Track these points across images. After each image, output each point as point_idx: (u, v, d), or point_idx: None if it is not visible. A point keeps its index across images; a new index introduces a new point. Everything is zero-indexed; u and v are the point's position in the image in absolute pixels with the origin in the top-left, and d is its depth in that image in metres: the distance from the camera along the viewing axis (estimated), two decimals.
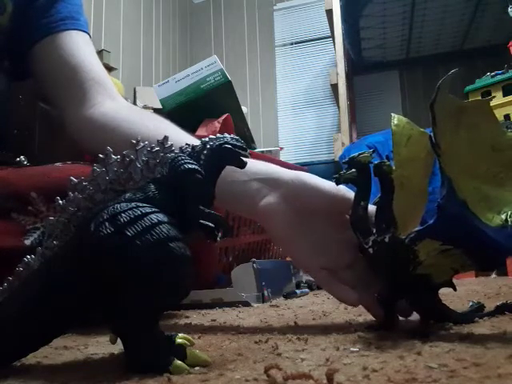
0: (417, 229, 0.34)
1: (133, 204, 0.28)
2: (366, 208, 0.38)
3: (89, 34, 0.67)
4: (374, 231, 0.37)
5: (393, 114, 0.37)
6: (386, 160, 0.37)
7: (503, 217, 0.32)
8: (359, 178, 0.39)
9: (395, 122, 0.37)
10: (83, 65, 0.61)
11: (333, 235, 0.45)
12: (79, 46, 0.63)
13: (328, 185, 0.44)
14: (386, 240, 0.35)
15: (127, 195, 0.29)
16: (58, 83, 0.62)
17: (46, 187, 0.46)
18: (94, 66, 0.63)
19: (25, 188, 0.46)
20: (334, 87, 2.49)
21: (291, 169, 0.49)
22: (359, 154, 0.38)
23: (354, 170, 0.39)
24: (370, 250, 0.37)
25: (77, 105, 0.60)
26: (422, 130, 0.38)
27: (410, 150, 0.37)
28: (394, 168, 0.36)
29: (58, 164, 0.53)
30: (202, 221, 0.31)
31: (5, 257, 0.38)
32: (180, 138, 0.48)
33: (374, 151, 0.39)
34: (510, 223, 0.32)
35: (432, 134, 0.33)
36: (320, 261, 0.44)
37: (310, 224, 0.45)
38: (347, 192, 0.44)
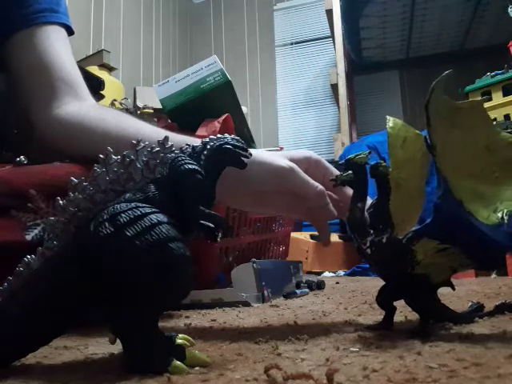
0: (414, 228, 0.35)
1: (133, 204, 0.28)
2: (363, 209, 0.38)
3: (68, 25, 0.65)
4: (372, 232, 0.37)
5: (388, 117, 0.38)
6: (382, 161, 0.37)
7: (499, 215, 0.33)
8: (356, 180, 0.39)
9: (390, 125, 0.37)
10: (54, 64, 0.60)
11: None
12: (53, 43, 0.62)
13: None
14: (384, 240, 0.35)
15: (127, 195, 0.29)
16: (27, 81, 0.61)
17: (43, 184, 0.46)
18: (66, 65, 0.62)
19: (23, 186, 0.46)
20: (334, 87, 2.50)
21: None
22: (356, 156, 0.38)
23: (350, 171, 0.39)
24: (368, 251, 0.37)
25: (43, 104, 0.59)
26: (417, 131, 0.38)
27: (405, 151, 0.37)
28: (390, 169, 0.36)
29: (55, 163, 0.53)
30: (202, 221, 0.31)
31: (5, 254, 0.38)
32: (155, 131, 0.53)
33: (370, 152, 0.39)
34: (505, 221, 0.32)
35: (427, 135, 0.33)
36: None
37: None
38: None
